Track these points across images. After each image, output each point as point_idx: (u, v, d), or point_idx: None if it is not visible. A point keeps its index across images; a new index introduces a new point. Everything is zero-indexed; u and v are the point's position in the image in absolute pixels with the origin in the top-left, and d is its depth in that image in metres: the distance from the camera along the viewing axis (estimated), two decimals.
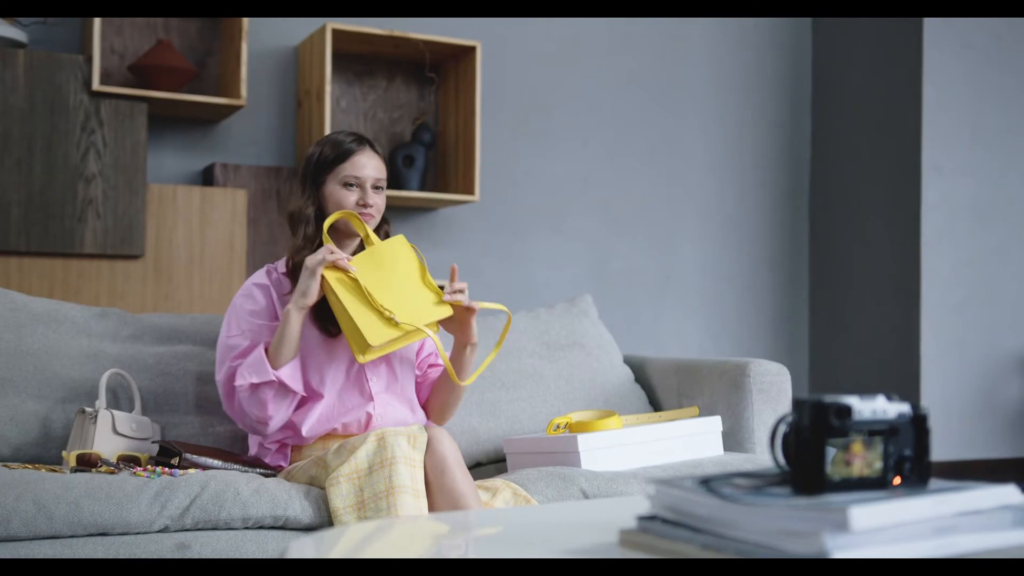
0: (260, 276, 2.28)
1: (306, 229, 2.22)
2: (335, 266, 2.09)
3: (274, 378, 2.09)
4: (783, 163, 4.51)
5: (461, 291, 2.19)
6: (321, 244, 2.22)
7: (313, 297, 2.09)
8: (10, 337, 2.26)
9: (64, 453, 2.10)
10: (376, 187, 2.24)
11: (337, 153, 2.24)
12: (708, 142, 4.37)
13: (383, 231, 2.30)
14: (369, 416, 2.20)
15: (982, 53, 4.23)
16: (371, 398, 2.21)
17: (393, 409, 2.24)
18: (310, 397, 2.19)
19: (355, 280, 2.10)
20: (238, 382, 2.11)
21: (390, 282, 2.13)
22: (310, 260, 2.09)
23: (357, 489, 1.90)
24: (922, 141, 4.11)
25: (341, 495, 1.90)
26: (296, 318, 2.10)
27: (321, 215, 2.24)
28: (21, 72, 3.06)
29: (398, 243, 2.19)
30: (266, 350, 2.13)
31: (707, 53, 4.36)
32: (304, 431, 2.17)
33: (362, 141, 2.26)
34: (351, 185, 2.22)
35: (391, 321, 2.08)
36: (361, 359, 2.10)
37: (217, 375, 2.19)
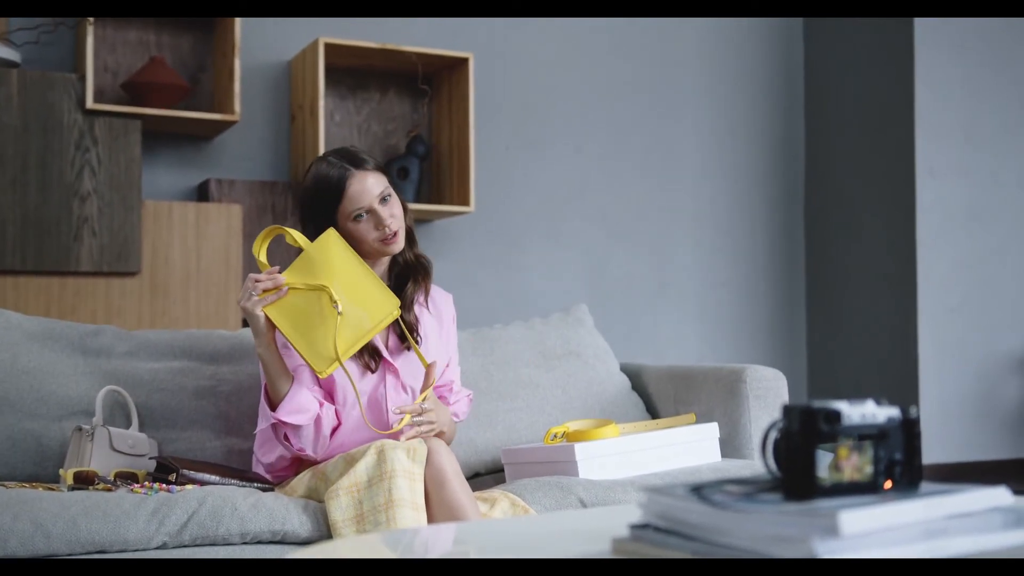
0: None
1: None
2: (268, 291, 2.03)
3: (273, 421, 2.09)
4: (777, 166, 4.52)
5: (424, 421, 2.10)
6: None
7: (263, 334, 2.05)
8: (5, 356, 2.27)
9: (61, 471, 2.10)
10: (383, 199, 2.16)
11: (332, 190, 2.14)
12: (701, 147, 4.37)
13: (410, 251, 2.27)
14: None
15: (975, 53, 4.24)
16: (387, 427, 2.19)
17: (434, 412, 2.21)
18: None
19: (296, 301, 2.05)
20: (257, 429, 2.16)
21: (330, 286, 2.06)
22: (241, 299, 2.05)
23: (356, 502, 1.90)
24: (915, 142, 4.12)
25: (340, 508, 1.91)
26: (265, 356, 2.07)
27: None
28: (15, 91, 3.07)
29: (330, 240, 2.09)
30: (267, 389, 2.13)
31: (698, 57, 4.38)
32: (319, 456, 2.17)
33: (347, 165, 2.15)
34: (360, 216, 2.14)
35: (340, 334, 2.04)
36: (322, 375, 2.08)
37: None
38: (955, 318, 4.17)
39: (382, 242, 2.16)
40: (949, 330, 4.15)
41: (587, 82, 4.17)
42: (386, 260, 2.26)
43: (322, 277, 2.07)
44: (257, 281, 2.04)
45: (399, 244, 2.19)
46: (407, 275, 2.27)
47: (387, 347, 2.23)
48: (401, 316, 2.18)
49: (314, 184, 2.18)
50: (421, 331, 2.26)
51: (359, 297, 2.07)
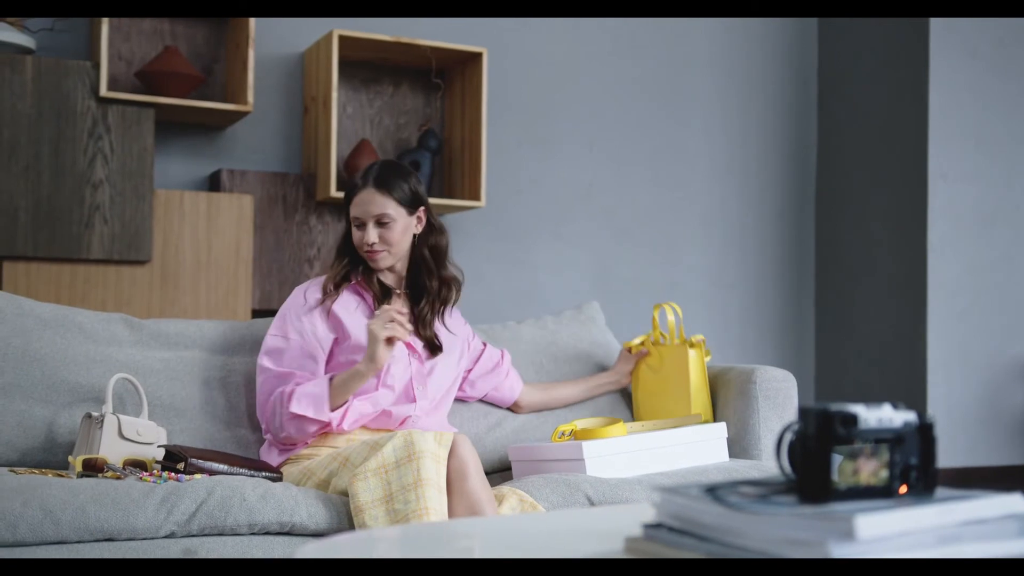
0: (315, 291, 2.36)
1: (343, 259, 2.38)
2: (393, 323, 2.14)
3: (327, 420, 2.18)
4: (788, 169, 4.51)
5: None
6: (351, 272, 2.35)
7: (383, 365, 2.16)
8: (17, 342, 2.27)
9: (70, 458, 2.10)
10: (382, 223, 2.30)
11: (347, 193, 2.36)
12: (713, 148, 4.37)
13: (426, 256, 2.38)
14: (407, 417, 2.28)
15: (987, 60, 4.23)
16: (414, 399, 2.31)
17: (428, 421, 2.33)
18: (361, 392, 2.26)
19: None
20: (293, 407, 2.18)
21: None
22: (374, 326, 2.15)
23: (385, 483, 1.92)
24: (928, 148, 4.11)
25: (368, 489, 1.92)
26: (365, 380, 2.18)
27: (351, 247, 2.37)
28: (29, 78, 3.07)
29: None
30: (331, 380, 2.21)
31: (712, 59, 4.37)
32: (345, 424, 2.23)
33: (367, 178, 2.32)
34: (357, 225, 2.33)
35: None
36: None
37: (264, 380, 2.28)
38: (964, 323, 4.16)
39: (366, 254, 2.33)
40: (958, 334, 4.15)
41: (599, 81, 4.17)
42: (400, 267, 2.39)
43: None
44: (391, 320, 2.15)
45: (379, 263, 2.35)
46: (429, 293, 2.39)
47: (418, 356, 2.37)
48: (423, 335, 2.37)
49: (349, 182, 2.39)
50: (444, 345, 2.40)
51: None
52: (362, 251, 2.34)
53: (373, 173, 2.33)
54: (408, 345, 2.33)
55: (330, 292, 2.33)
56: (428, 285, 2.38)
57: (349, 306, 2.33)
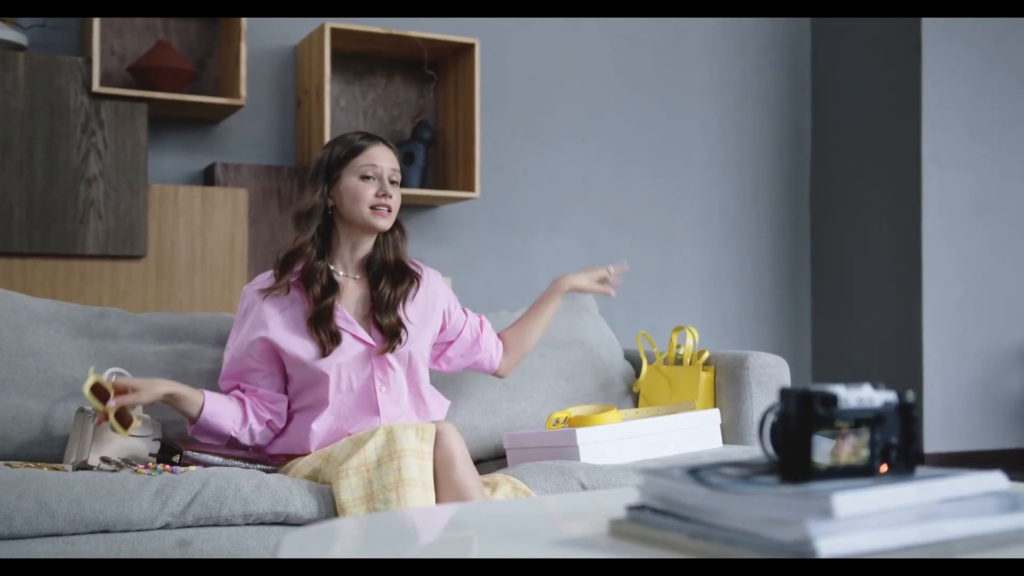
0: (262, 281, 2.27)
1: (315, 225, 2.22)
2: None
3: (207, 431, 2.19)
4: (783, 159, 4.51)
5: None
6: (319, 242, 2.23)
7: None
8: (12, 337, 2.28)
9: (89, 371, 2.08)
10: (393, 181, 2.23)
11: (351, 148, 2.22)
12: (708, 139, 4.37)
13: (393, 238, 2.28)
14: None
15: (981, 48, 4.23)
16: (377, 411, 2.20)
17: (403, 419, 2.24)
18: (316, 406, 2.19)
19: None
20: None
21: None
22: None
23: (366, 482, 1.91)
24: (922, 136, 4.11)
25: (350, 487, 1.91)
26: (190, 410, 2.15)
27: (333, 210, 2.23)
28: (21, 74, 3.08)
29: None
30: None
31: (707, 52, 4.37)
32: (312, 447, 2.18)
33: (375, 137, 2.26)
34: (368, 177, 2.20)
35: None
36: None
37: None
38: (960, 309, 4.17)
39: (374, 209, 2.20)
40: (953, 321, 4.15)
41: (594, 75, 4.17)
42: (367, 245, 2.27)
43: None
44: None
45: (388, 222, 2.22)
46: (392, 275, 2.28)
47: (377, 349, 2.23)
48: (387, 326, 2.22)
49: (337, 145, 2.25)
50: (408, 327, 2.26)
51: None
52: (367, 206, 2.19)
53: (380, 136, 2.27)
54: (359, 339, 2.20)
55: (277, 288, 2.20)
56: (392, 267, 2.26)
57: (276, 308, 2.20)
